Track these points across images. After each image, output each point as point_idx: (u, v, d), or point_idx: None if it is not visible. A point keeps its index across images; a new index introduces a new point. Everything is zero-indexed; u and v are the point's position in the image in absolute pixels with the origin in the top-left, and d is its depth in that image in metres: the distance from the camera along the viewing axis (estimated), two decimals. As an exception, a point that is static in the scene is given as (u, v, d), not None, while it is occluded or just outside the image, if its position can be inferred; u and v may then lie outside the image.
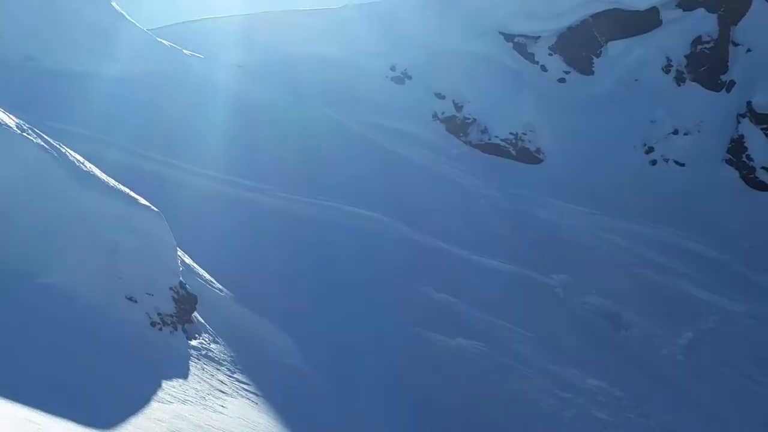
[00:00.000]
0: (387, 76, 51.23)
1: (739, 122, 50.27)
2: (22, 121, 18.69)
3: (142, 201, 19.62)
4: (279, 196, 31.92)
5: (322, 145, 37.80)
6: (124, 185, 19.78)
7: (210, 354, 19.28)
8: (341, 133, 40.05)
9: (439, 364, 25.17)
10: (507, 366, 26.27)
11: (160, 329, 18.35)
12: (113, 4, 42.21)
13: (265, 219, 29.76)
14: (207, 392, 17.35)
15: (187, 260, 22.32)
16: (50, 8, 38.60)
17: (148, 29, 43.67)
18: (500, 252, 34.02)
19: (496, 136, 47.80)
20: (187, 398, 16.35)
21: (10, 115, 18.68)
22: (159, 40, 42.13)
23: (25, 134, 18.22)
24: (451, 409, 23.11)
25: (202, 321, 20.21)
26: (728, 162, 48.74)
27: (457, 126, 48.10)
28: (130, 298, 18.02)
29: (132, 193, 19.57)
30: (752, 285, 37.45)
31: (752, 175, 47.85)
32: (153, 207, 19.54)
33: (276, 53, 48.27)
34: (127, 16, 42.20)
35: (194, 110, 36.17)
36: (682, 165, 48.48)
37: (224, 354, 19.77)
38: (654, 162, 48.69)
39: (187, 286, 20.04)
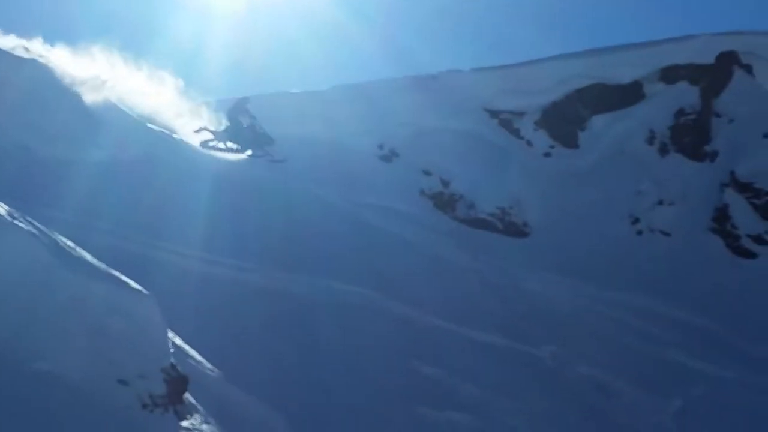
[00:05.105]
0: (374, 155, 51.77)
1: (723, 191, 50.84)
2: (12, 209, 19.00)
3: (133, 284, 19.84)
4: (265, 275, 32.14)
5: (309, 223, 38.00)
6: (111, 269, 20.03)
7: (202, 434, 19.44)
8: (328, 211, 40.30)
9: (432, 436, 25.42)
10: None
11: (152, 411, 18.45)
12: (104, 92, 42.75)
13: (252, 298, 29.93)
14: (199, 472, 17.53)
15: (177, 341, 22.56)
16: (45, 100, 39.21)
17: (139, 115, 44.14)
18: (489, 325, 34.20)
19: (483, 211, 48.22)
20: (179, 479, 16.54)
21: (1, 204, 19.01)
22: (149, 125, 42.64)
23: (15, 221, 18.52)
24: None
25: (193, 402, 20.35)
26: (713, 231, 49.24)
27: (445, 202, 48.57)
28: (121, 381, 18.14)
29: (122, 276, 19.82)
30: (740, 352, 37.70)
31: (737, 244, 48.36)
32: (143, 289, 19.80)
33: (265, 134, 48.75)
34: (118, 104, 42.76)
35: (180, 191, 36.46)
36: (668, 234, 48.93)
37: (216, 434, 19.94)
38: (640, 232, 49.13)
39: (178, 367, 20.25)
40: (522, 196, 49.64)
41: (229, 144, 36.53)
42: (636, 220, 49.81)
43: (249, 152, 36.33)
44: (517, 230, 47.89)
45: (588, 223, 47.82)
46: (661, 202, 50.72)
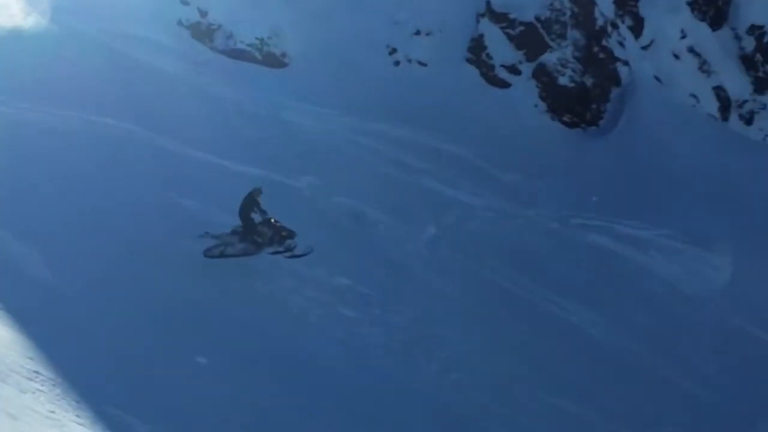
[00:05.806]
0: (129, -17, 50.30)
1: (479, 22, 51.49)
2: None
3: None
4: (18, 108, 31.45)
5: (62, 54, 37.03)
6: None
7: (-48, 272, 19.25)
8: (81, 42, 39.23)
9: (188, 266, 25.72)
10: (251, 266, 27.03)
11: None
12: None
13: (9, 133, 29.40)
14: (-52, 310, 17.38)
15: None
16: None
17: None
18: (249, 157, 34.34)
19: (241, 42, 47.68)
20: (-73, 317, 16.39)
21: None
22: None
23: None
24: (202, 310, 23.74)
25: (-53, 239, 20.12)
26: (469, 61, 49.94)
27: (203, 32, 47.72)
28: None
29: None
30: (491, 179, 39.09)
31: (492, 73, 49.21)
32: None
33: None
34: None
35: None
36: (425, 65, 49.42)
37: (-33, 271, 19.74)
38: (397, 63, 49.37)
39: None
40: (280, 26, 49.10)
41: (241, 246, 31.34)
42: (393, 51, 50.04)
43: (267, 250, 31.56)
44: (275, 61, 47.58)
45: (346, 53, 47.77)
46: (418, 32, 50.96)
